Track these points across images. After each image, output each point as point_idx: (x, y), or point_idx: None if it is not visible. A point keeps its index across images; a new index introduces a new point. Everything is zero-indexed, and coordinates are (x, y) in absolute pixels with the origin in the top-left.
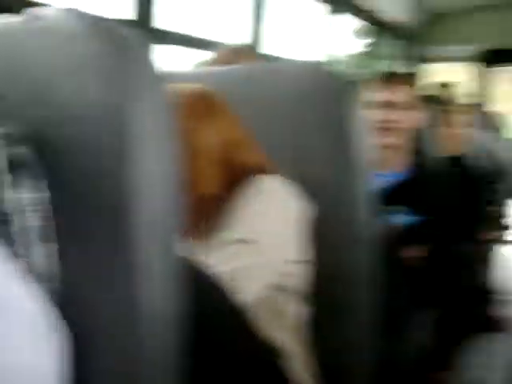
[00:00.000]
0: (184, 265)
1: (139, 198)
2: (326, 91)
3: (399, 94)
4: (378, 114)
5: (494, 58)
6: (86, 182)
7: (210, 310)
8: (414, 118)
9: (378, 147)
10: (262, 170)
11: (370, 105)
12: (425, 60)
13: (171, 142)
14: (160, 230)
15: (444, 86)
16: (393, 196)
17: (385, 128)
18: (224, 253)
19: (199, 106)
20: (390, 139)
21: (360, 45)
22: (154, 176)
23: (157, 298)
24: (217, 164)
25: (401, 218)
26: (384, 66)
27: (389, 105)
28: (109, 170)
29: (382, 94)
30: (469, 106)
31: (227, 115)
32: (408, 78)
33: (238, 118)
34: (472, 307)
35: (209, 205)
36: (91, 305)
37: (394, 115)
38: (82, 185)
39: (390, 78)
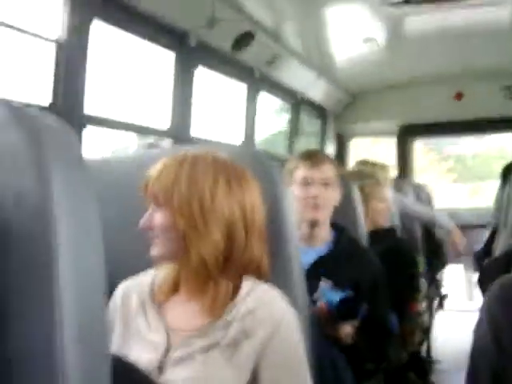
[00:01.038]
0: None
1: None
2: (261, 174)
3: (325, 172)
4: (304, 191)
5: (411, 132)
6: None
7: None
8: (337, 195)
9: (305, 223)
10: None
11: (297, 182)
12: (343, 137)
13: (95, 225)
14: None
15: (365, 163)
16: (316, 271)
17: (313, 204)
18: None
19: (237, 170)
20: (319, 215)
21: (278, 123)
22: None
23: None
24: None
25: (330, 294)
26: (305, 143)
27: (316, 182)
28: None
29: (308, 172)
30: (388, 180)
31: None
32: (329, 157)
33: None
34: (408, 377)
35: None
36: None
37: (320, 192)
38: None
39: (316, 157)
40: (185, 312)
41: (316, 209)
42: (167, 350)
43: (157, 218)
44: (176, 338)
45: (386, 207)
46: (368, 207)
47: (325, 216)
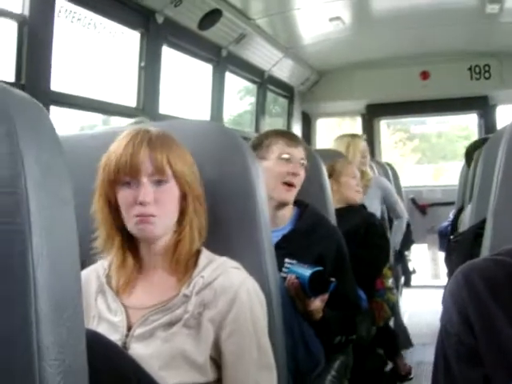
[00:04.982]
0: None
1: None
2: (230, 148)
3: (302, 152)
4: (285, 166)
5: (377, 111)
6: None
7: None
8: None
9: (273, 204)
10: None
11: (275, 157)
12: (309, 116)
13: (68, 200)
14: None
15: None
16: (280, 251)
17: (291, 182)
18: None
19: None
20: (291, 197)
21: (245, 103)
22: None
23: None
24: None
25: (299, 269)
26: (272, 122)
27: (296, 160)
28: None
29: (290, 148)
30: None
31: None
32: (300, 137)
33: None
34: (376, 352)
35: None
36: None
37: (299, 170)
38: None
39: (294, 135)
40: (144, 290)
41: (290, 189)
42: (128, 329)
43: (164, 190)
44: (136, 317)
45: (357, 184)
46: (339, 184)
47: (294, 197)
